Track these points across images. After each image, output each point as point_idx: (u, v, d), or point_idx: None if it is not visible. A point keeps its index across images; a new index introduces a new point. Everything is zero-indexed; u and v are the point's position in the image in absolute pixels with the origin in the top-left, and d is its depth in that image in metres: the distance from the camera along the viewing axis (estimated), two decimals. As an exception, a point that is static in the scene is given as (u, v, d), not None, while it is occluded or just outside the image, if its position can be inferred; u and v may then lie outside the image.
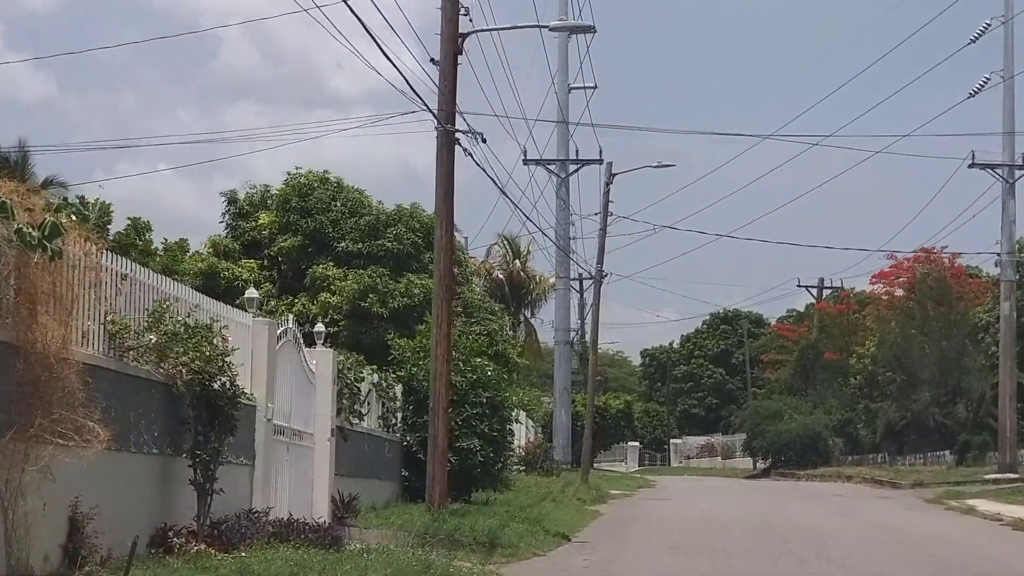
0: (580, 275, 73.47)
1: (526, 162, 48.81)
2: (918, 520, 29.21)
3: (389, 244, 35.26)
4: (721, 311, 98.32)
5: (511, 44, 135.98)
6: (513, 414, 26.59)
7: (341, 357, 20.76)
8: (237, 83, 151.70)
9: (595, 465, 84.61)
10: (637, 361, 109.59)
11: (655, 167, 43.50)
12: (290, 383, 17.89)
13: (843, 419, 67.00)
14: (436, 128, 21.67)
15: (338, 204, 36.12)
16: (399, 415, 24.44)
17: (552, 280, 56.05)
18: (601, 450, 69.48)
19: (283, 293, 36.00)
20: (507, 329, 36.74)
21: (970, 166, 49.89)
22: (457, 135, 21.83)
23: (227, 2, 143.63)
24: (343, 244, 35.48)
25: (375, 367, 23.78)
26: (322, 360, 19.34)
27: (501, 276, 58.54)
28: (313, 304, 34.58)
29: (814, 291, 73.11)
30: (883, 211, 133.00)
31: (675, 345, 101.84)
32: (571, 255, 48.08)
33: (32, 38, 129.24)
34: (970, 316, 63.63)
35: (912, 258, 68.83)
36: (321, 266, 35.03)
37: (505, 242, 58.54)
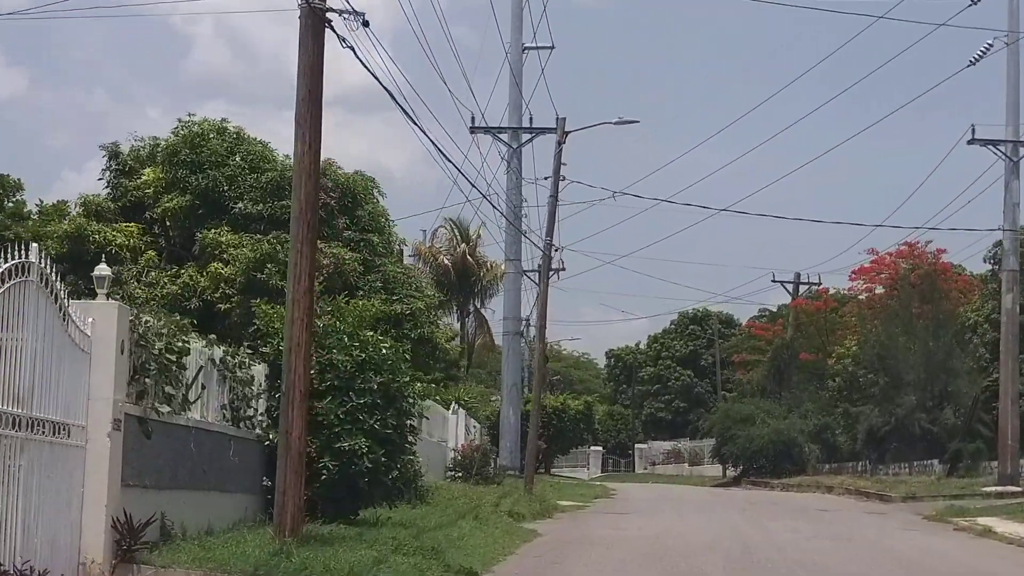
0: (538, 266, 67.40)
1: (472, 130, 42.47)
2: (935, 547, 22.81)
3: (295, 205, 28.71)
4: (690, 311, 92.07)
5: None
6: (418, 407, 19.97)
7: (149, 318, 14.15)
8: (210, 81, 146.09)
9: (552, 471, 78.25)
10: (604, 363, 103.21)
11: (616, 123, 37.13)
12: (31, 348, 11.35)
13: (820, 424, 60.70)
14: (299, 4, 15.19)
15: (237, 158, 29.61)
16: (258, 404, 17.85)
17: (503, 266, 49.66)
18: (558, 455, 62.99)
19: (171, 262, 29.48)
20: (436, 311, 30.16)
21: (969, 142, 43.80)
22: (329, 16, 15.35)
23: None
24: (240, 205, 28.97)
25: (220, 340, 17.17)
26: (102, 318, 12.77)
27: (447, 262, 52.12)
28: (202, 275, 28.07)
29: (790, 287, 66.81)
30: (865, 202, 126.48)
31: (642, 346, 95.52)
32: (524, 235, 41.65)
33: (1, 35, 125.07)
34: (958, 315, 57.74)
35: (894, 253, 62.91)
36: (213, 231, 28.47)
37: (452, 225, 52.19)
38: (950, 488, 42.62)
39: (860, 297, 63.38)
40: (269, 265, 27.15)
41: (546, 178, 35.57)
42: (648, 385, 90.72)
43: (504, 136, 42.78)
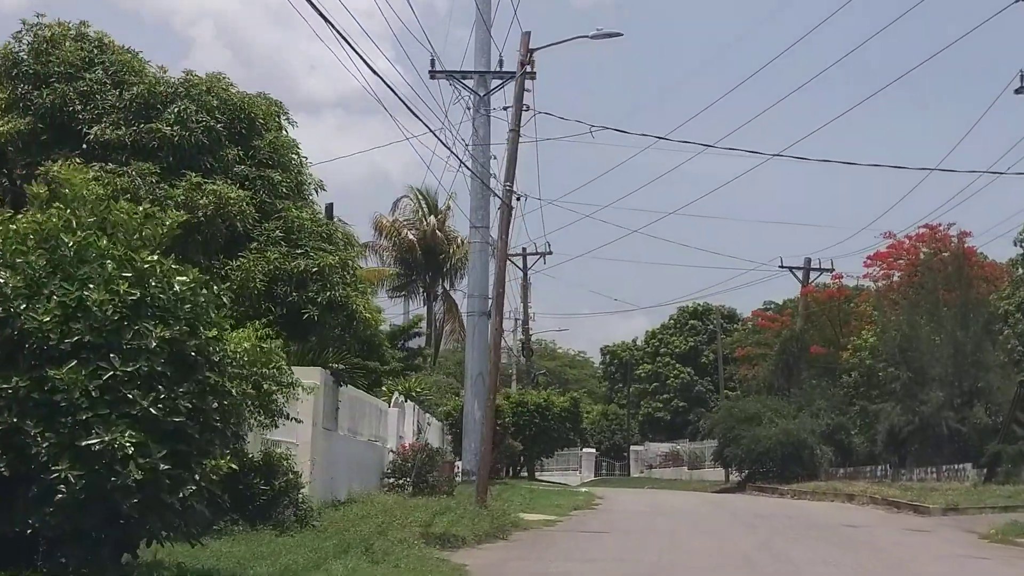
0: (524, 249, 59.71)
1: (433, 75, 35.01)
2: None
3: (167, 130, 21.22)
4: (690, 305, 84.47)
5: None
6: (233, 384, 12.18)
7: None
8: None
9: (537, 475, 70.65)
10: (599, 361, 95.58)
11: (593, 37, 29.61)
12: None
13: (833, 424, 53.06)
14: None
15: (97, 71, 22.11)
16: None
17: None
18: (542, 457, 55.38)
19: (12, 204, 21.95)
20: (354, 269, 22.57)
21: (1017, 91, 36.48)
22: None
23: (198, 2, 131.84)
24: (97, 129, 21.46)
25: None
26: None
27: (412, 237, 44.73)
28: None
29: (799, 273, 59.15)
30: (880, 182, 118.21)
31: (639, 342, 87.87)
32: (493, 193, 34.10)
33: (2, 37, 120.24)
34: (987, 303, 50.35)
35: (914, 237, 55.50)
36: (59, 162, 20.94)
37: (418, 195, 44.75)
38: (993, 497, 35.26)
39: (876, 284, 55.89)
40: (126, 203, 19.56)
41: (505, 108, 28.09)
42: (645, 383, 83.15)
43: (469, 82, 35.22)
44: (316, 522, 16.34)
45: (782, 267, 58.97)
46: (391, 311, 47.75)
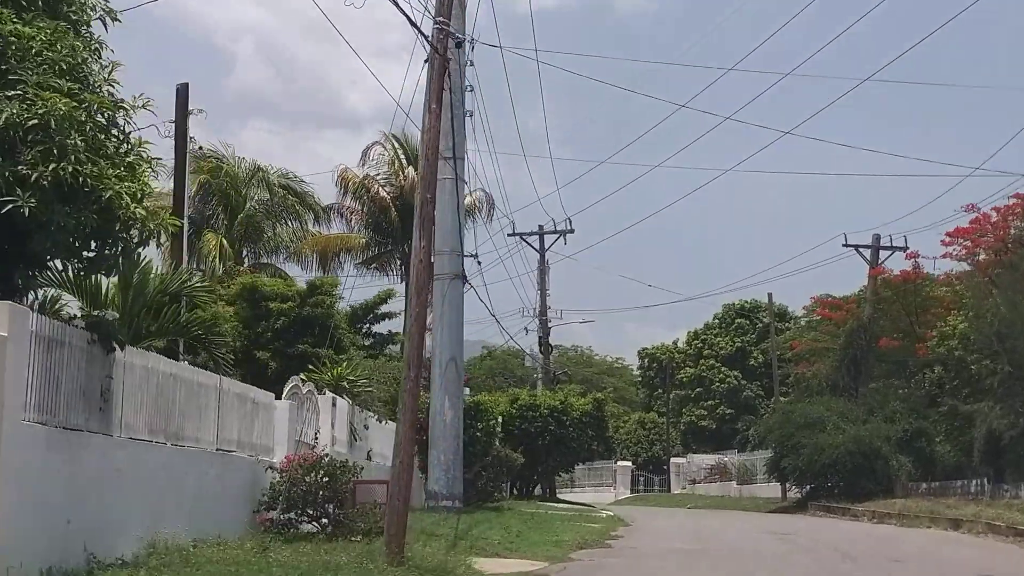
0: (540, 226, 49.29)
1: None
2: None
3: None
4: (736, 302, 73.81)
5: None
6: None
7: None
8: (250, 100, 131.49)
9: (564, 492, 60.00)
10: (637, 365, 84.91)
11: None
12: None
13: (912, 429, 42.46)
14: None
15: None
16: None
17: (471, 197, 32.25)
18: (560, 472, 44.89)
19: None
20: (108, 118, 12.12)
21: None
22: None
23: (239, 17, 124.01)
24: None
25: None
26: None
27: (387, 195, 34.80)
28: None
29: (867, 253, 48.38)
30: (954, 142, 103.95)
31: (680, 344, 77.23)
32: (468, 115, 24.12)
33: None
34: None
35: (1002, 209, 44.63)
36: None
37: (393, 142, 34.79)
38: None
39: (961, 265, 45.03)
40: None
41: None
42: (688, 389, 72.51)
43: None
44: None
45: (846, 246, 48.27)
46: (364, 291, 37.51)
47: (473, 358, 77.89)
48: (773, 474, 47.38)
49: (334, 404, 19.42)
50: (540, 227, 48.64)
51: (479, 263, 27.24)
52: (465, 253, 25.79)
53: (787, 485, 47.55)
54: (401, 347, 34.49)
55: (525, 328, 51.33)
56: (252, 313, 28.63)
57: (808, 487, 44.77)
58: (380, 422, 22.90)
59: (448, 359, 24.58)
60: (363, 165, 34.07)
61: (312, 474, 15.79)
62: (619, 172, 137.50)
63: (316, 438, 18.97)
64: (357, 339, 31.37)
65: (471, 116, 25.31)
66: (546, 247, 48.42)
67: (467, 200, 33.22)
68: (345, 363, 22.89)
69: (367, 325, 33.54)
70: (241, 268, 31.43)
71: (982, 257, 43.85)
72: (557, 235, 48.15)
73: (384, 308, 33.29)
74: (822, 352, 49.84)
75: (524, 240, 48.37)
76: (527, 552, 19.31)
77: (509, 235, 47.72)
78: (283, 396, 17.32)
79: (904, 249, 47.50)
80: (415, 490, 25.77)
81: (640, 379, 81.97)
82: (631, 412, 78.14)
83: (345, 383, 21.66)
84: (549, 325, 49.07)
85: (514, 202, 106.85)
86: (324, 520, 16.01)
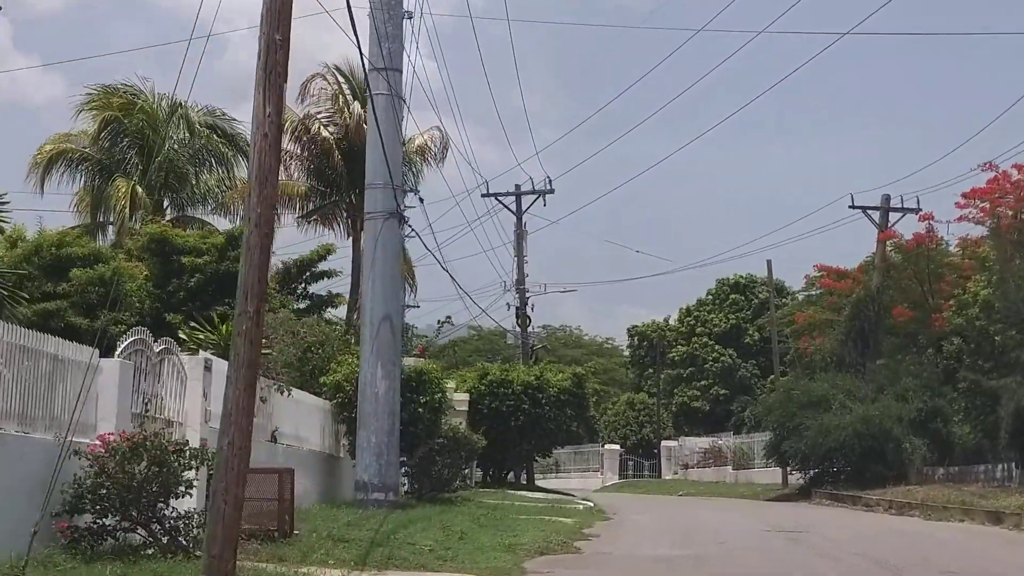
0: (517, 186, 44.10)
1: None
2: None
3: None
4: (731, 277, 68.85)
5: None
6: None
7: None
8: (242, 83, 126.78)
9: (546, 479, 55.13)
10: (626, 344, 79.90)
11: None
12: None
13: (927, 408, 37.53)
14: None
15: None
16: None
17: (423, 137, 27.24)
18: (537, 456, 39.90)
19: None
20: None
21: None
22: None
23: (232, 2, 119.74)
24: None
25: None
26: None
27: (329, 134, 29.81)
28: None
29: (875, 215, 43.36)
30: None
31: (672, 321, 72.29)
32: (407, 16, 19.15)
33: (39, 40, 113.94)
34: None
35: (1024, 167, 39.77)
36: None
37: (336, 75, 29.82)
38: None
39: (978, 229, 40.13)
40: None
41: None
42: (679, 368, 67.61)
43: None
44: None
45: (853, 207, 43.28)
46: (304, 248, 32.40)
47: (460, 339, 73.09)
48: (772, 458, 42.55)
49: (207, 367, 14.51)
50: (517, 187, 43.56)
51: (421, 200, 22.34)
52: (407, 188, 20.81)
53: (788, 469, 42.72)
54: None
55: (507, 304, 46.39)
56: (162, 270, 23.74)
57: (811, 472, 40.00)
58: (283, 393, 18.05)
59: (382, 317, 19.66)
60: (302, 102, 29.14)
61: (134, 462, 10.88)
62: (606, 130, 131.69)
63: (189, 418, 14.04)
64: (289, 300, 26.50)
65: (410, 18, 20.31)
66: (523, 209, 43.40)
67: (419, 141, 28.22)
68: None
69: (303, 285, 28.71)
70: (160, 220, 26.53)
71: (1004, 218, 39.05)
72: (536, 195, 43.12)
73: (323, 266, 28.40)
74: (825, 325, 44.91)
75: (499, 201, 43.41)
76: (464, 563, 14.43)
77: (483, 196, 42.84)
78: (118, 354, 12.47)
79: (916, 211, 42.55)
80: (344, 481, 20.82)
81: (630, 358, 77.08)
82: (620, 393, 73.22)
83: (214, 335, 16.71)
84: (527, 295, 44.09)
85: (493, 170, 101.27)
86: (156, 526, 11.08)
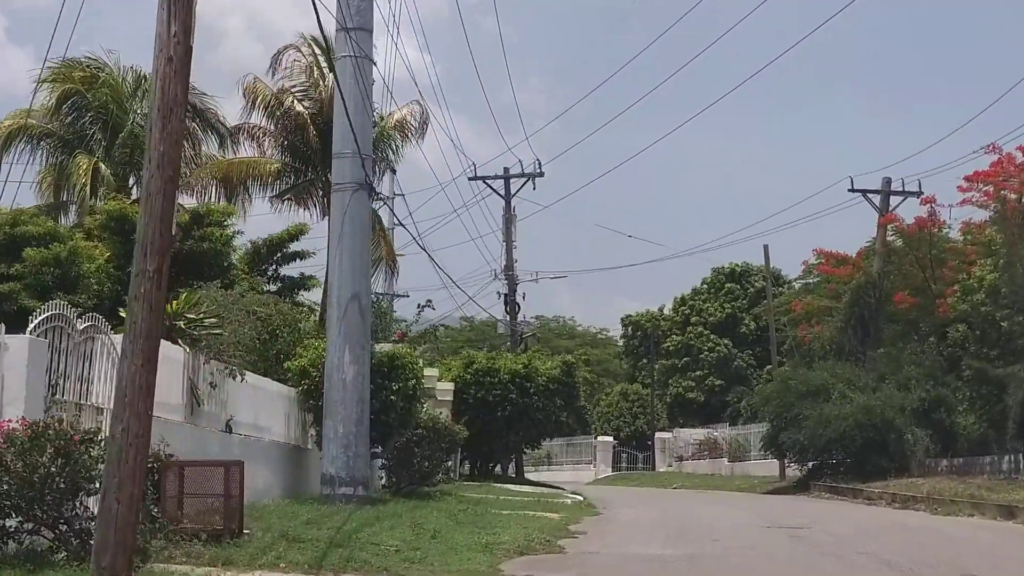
0: (506, 169, 42.43)
1: None
2: None
3: None
4: (726, 266, 67.33)
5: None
6: None
7: None
8: (236, 75, 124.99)
9: (539, 471, 53.69)
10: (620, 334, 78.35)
11: None
12: None
13: (930, 398, 36.07)
14: None
15: None
16: None
17: (402, 112, 25.75)
18: (526, 447, 38.40)
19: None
20: None
21: None
22: None
23: None
24: None
25: None
26: None
27: (303, 108, 28.25)
28: None
29: (875, 199, 41.84)
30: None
31: (666, 310, 70.77)
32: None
33: (33, 32, 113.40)
34: None
35: (1030, 149, 38.24)
36: None
37: (312, 46, 28.24)
38: None
39: (982, 213, 38.69)
40: None
41: None
42: (674, 358, 66.08)
43: None
44: None
45: (852, 190, 41.79)
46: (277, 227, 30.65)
47: (452, 330, 71.58)
48: (770, 450, 41.04)
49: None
50: (505, 169, 41.99)
51: (393, 171, 20.72)
52: (378, 159, 19.27)
53: (787, 461, 41.31)
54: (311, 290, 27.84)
55: (498, 292, 44.83)
56: (123, 250, 22.19)
57: (810, 464, 38.56)
58: (235, 378, 16.42)
59: (350, 296, 18.12)
60: (274, 74, 27.49)
61: (37, 454, 9.35)
62: (599, 118, 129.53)
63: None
64: (259, 282, 24.92)
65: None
66: (512, 193, 41.81)
67: (397, 116, 26.68)
68: (184, 295, 16.31)
69: (274, 267, 27.15)
70: (122, 199, 24.93)
71: (1009, 201, 37.55)
72: (525, 179, 41.57)
73: (295, 246, 26.78)
74: (824, 313, 43.43)
75: (488, 185, 41.85)
76: (434, 566, 12.94)
77: (470, 179, 41.27)
78: (29, 330, 10.93)
79: (918, 194, 41.05)
80: (312, 474, 19.28)
81: (623, 349, 75.53)
82: (614, 384, 71.70)
83: (182, 323, 15.19)
84: (517, 282, 42.52)
85: (487, 164, 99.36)
86: (65, 527, 9.55)
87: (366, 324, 18.57)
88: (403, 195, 60.98)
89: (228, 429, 16.14)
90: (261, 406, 17.90)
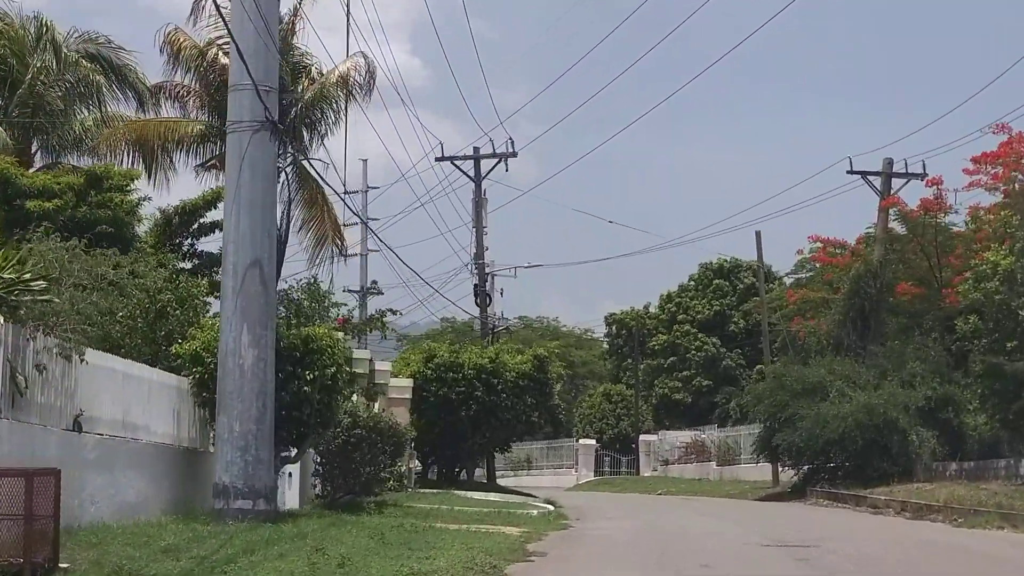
0: (476, 149, 38.85)
1: None
2: None
3: None
4: (714, 261, 63.85)
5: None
6: None
7: None
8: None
9: (515, 477, 50.15)
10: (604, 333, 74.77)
11: None
12: None
13: (936, 396, 32.74)
14: None
15: None
16: None
17: (345, 65, 22.23)
18: (496, 450, 34.79)
19: None
20: None
21: None
22: None
23: None
24: None
25: None
26: None
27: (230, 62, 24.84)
28: None
29: (876, 181, 38.35)
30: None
31: (651, 308, 67.22)
32: None
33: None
34: None
35: (1042, 128, 35.12)
36: None
37: (242, -11, 24.83)
38: None
39: (990, 197, 35.44)
40: None
41: None
42: (660, 358, 62.52)
43: None
44: None
45: (851, 172, 38.26)
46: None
47: (433, 331, 67.87)
48: (763, 453, 37.58)
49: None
50: (475, 149, 38.45)
51: (308, 120, 17.03)
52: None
53: (780, 464, 37.87)
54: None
55: (474, 285, 41.23)
56: (3, 217, 18.54)
57: (805, 468, 35.11)
58: (71, 359, 12.75)
59: (249, 262, 14.58)
60: (194, 24, 23.93)
61: None
62: (579, 95, 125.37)
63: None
64: (171, 258, 21.31)
65: None
66: (483, 175, 38.19)
67: (340, 70, 23.12)
68: (1, 251, 12.67)
69: (188, 239, 23.59)
70: (14, 159, 21.31)
71: (1018, 185, 34.23)
72: (496, 159, 37.97)
73: (214, 215, 23.06)
74: (821, 304, 39.99)
75: (456, 166, 38.29)
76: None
77: (437, 159, 37.69)
78: None
79: (922, 176, 37.65)
80: (209, 484, 15.60)
81: (608, 348, 72.00)
82: (597, 384, 68.18)
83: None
84: (487, 271, 38.92)
85: (466, 138, 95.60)
86: None
87: (270, 297, 14.97)
88: (374, 188, 57.23)
89: (77, 427, 12.55)
90: (134, 399, 14.30)
